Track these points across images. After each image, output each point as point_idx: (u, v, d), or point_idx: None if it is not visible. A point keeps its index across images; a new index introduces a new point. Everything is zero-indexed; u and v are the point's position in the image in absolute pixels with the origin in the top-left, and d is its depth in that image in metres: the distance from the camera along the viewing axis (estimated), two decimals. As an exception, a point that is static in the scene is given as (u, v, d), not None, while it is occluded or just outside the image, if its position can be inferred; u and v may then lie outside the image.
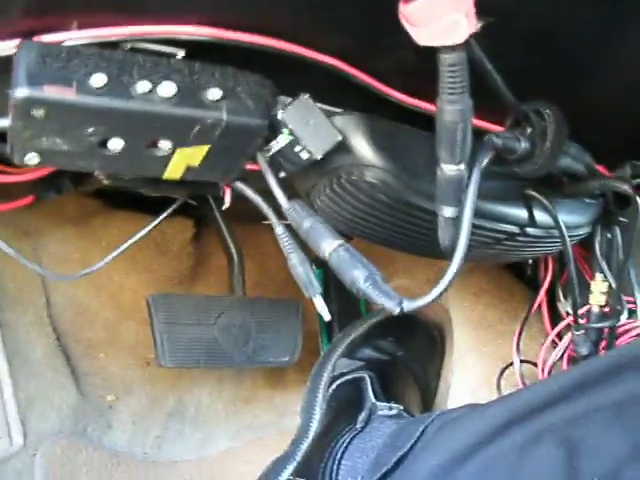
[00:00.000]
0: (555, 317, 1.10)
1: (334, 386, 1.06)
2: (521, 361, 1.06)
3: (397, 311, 0.58)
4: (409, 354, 1.16)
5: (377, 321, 1.16)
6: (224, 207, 0.74)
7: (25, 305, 1.12)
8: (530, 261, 1.21)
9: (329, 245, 0.63)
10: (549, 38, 0.65)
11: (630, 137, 0.86)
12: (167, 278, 1.31)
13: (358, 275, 0.61)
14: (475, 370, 1.12)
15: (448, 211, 0.61)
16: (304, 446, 0.96)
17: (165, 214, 1.01)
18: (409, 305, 0.58)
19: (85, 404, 1.11)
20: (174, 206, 1.01)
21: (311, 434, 0.97)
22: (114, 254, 0.97)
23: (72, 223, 1.23)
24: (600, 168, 0.87)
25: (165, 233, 1.31)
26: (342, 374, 1.08)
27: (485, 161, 0.63)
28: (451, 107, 0.54)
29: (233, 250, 1.20)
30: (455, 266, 0.58)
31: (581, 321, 0.95)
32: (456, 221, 0.62)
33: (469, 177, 0.60)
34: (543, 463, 0.64)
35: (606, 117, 0.80)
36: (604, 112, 0.78)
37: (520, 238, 0.81)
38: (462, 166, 0.58)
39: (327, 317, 0.71)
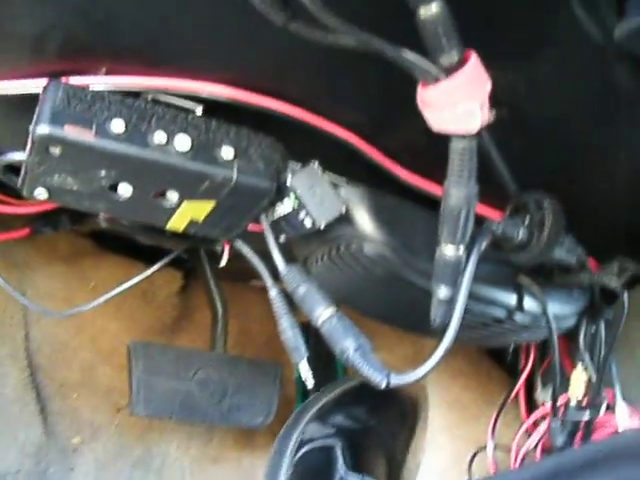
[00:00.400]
0: (531, 405, 1.09)
1: (302, 451, 1.05)
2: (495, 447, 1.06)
3: (383, 386, 0.59)
4: (381, 425, 1.15)
5: (350, 387, 1.14)
6: (222, 264, 0.75)
7: (3, 337, 1.12)
8: (511, 347, 1.21)
9: (323, 312, 0.64)
10: (554, 134, 0.68)
11: (621, 233, 0.88)
12: (149, 327, 1.30)
13: (349, 345, 0.61)
14: (446, 451, 1.11)
15: (443, 291, 0.62)
16: None
17: (157, 266, 1.01)
18: (395, 380, 0.59)
19: (50, 444, 1.10)
20: (168, 258, 1.02)
21: None
22: (101, 300, 0.98)
23: (62, 261, 1.24)
24: (590, 260, 0.89)
25: (153, 282, 1.30)
26: (311, 440, 1.07)
27: (483, 246, 0.65)
28: (457, 191, 0.55)
29: (219, 306, 1.21)
30: (444, 346, 0.59)
31: (559, 412, 0.95)
32: (450, 302, 0.62)
33: (467, 260, 0.61)
34: None
35: (602, 212, 0.81)
36: (601, 207, 0.80)
37: (507, 323, 0.81)
38: (462, 249, 0.59)
39: (311, 384, 0.72)
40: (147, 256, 1.06)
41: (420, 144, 0.64)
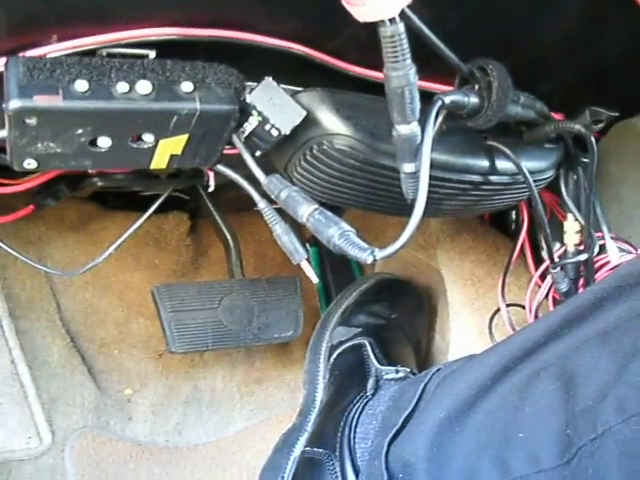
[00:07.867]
0: (539, 263, 1.11)
1: (335, 355, 1.08)
2: (508, 305, 1.10)
3: (370, 260, 0.64)
4: (402, 316, 1.18)
5: (367, 287, 1.19)
6: (209, 190, 0.80)
7: (37, 312, 1.17)
8: (513, 216, 1.25)
9: (305, 210, 0.69)
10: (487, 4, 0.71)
11: (583, 85, 0.91)
12: (170, 272, 1.36)
13: (333, 232, 0.66)
14: (470, 324, 1.16)
15: (407, 167, 0.67)
16: (312, 416, 0.99)
17: (156, 205, 1.03)
18: (380, 254, 0.64)
19: (105, 399, 1.16)
20: (163, 197, 1.06)
21: (317, 404, 1.01)
22: (112, 249, 1.01)
23: (73, 229, 1.29)
24: (558, 116, 0.92)
25: (162, 229, 1.36)
26: (341, 342, 1.09)
27: (437, 119, 0.69)
28: (395, 74, 0.59)
29: (228, 236, 1.25)
30: (417, 214, 0.63)
31: (558, 261, 0.99)
32: (416, 175, 0.67)
33: (423, 132, 0.65)
34: (542, 398, 0.66)
35: (553, 67, 0.84)
36: (549, 63, 0.83)
37: (486, 187, 0.86)
38: (414, 125, 0.63)
39: (315, 280, 0.77)
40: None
41: (361, 38, 0.67)
